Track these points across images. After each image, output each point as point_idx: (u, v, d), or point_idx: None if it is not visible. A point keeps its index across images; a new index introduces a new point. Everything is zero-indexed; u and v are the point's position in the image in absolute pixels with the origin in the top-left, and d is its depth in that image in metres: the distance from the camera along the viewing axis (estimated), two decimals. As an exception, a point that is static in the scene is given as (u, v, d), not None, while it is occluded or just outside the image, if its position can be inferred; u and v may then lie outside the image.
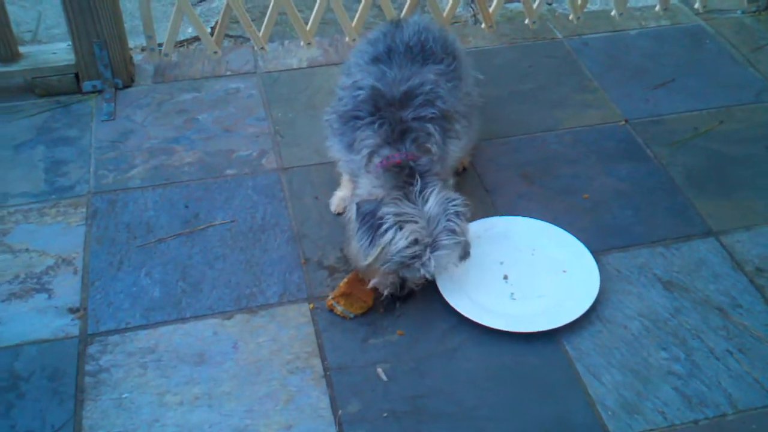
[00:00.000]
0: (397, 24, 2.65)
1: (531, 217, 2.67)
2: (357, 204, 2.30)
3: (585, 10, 3.72)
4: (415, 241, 2.24)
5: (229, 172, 2.89)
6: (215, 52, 3.41)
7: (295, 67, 3.43)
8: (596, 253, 2.55)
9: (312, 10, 3.41)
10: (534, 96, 3.27)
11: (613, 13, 3.75)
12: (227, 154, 2.97)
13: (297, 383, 2.23)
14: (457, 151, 2.58)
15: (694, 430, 2.13)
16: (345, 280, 2.41)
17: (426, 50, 2.56)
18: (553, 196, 2.80)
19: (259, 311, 2.42)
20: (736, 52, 3.53)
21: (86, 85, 3.22)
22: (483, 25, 3.63)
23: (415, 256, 2.25)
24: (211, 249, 2.60)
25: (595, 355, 2.30)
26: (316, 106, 3.14)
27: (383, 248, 2.23)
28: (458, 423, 2.14)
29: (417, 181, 2.29)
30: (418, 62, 2.53)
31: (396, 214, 2.23)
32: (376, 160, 2.38)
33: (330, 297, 2.41)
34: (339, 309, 2.39)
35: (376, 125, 2.40)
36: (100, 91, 3.23)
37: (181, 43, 3.83)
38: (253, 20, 3.37)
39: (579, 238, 2.58)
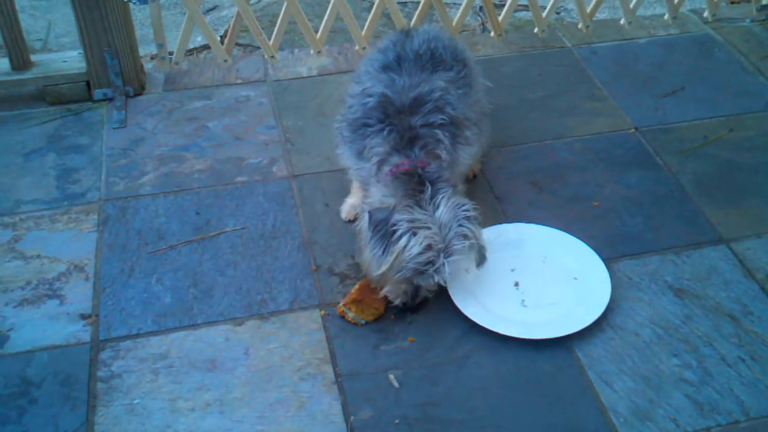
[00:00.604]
0: (407, 33, 2.66)
1: (541, 224, 2.68)
2: (369, 213, 2.30)
3: (594, 18, 3.72)
4: (429, 247, 2.24)
5: (239, 179, 2.90)
6: (225, 61, 3.42)
7: (305, 75, 3.44)
8: (607, 261, 2.54)
9: (322, 18, 3.42)
10: (543, 104, 3.28)
11: (622, 21, 3.76)
12: (238, 162, 2.98)
13: (308, 389, 2.23)
14: (467, 157, 2.58)
15: None
16: (356, 286, 2.42)
17: (436, 58, 2.56)
18: (563, 204, 2.81)
19: (270, 318, 2.42)
20: (746, 60, 3.54)
21: (97, 93, 3.24)
22: (492, 34, 3.64)
23: (429, 262, 2.25)
24: (222, 256, 2.61)
25: (606, 362, 2.30)
26: (326, 114, 3.15)
27: (398, 255, 2.23)
28: (470, 430, 2.14)
29: (427, 188, 2.30)
30: (427, 70, 2.53)
31: (409, 221, 2.23)
32: (386, 168, 2.38)
33: (341, 303, 2.40)
34: (350, 315, 2.39)
35: (385, 132, 2.40)
36: (111, 99, 3.25)
37: (191, 52, 3.85)
38: (263, 29, 3.38)
39: (590, 246, 2.58)
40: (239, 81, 3.40)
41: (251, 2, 3.37)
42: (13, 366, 2.28)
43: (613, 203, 2.81)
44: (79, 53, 3.21)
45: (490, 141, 2.81)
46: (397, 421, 2.16)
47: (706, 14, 3.82)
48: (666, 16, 3.81)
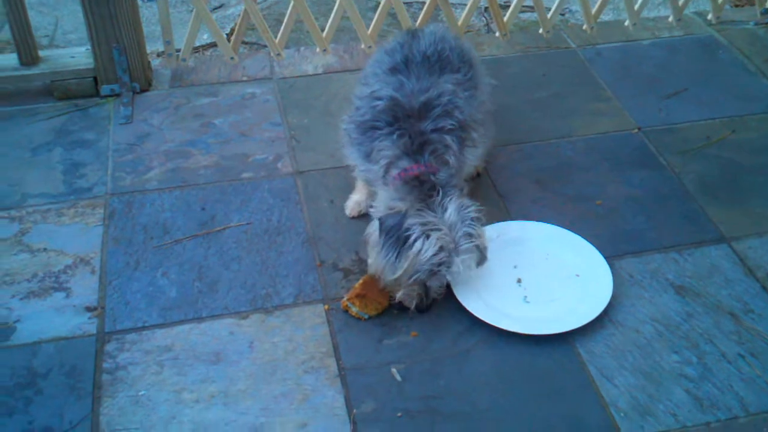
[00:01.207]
0: (413, 34, 2.67)
1: (544, 222, 2.69)
2: (380, 219, 2.31)
3: (598, 20, 3.74)
4: (441, 248, 2.26)
5: (245, 175, 2.92)
6: (232, 58, 3.45)
7: (310, 73, 3.46)
8: (609, 258, 2.56)
9: (328, 17, 3.45)
10: (548, 104, 3.29)
11: (626, 23, 3.78)
12: (243, 158, 2.99)
13: (312, 383, 2.24)
14: (473, 159, 2.61)
15: None
16: (360, 281, 2.43)
17: (443, 60, 2.56)
18: (567, 202, 2.82)
19: (274, 311, 2.43)
20: (749, 62, 3.55)
21: (104, 89, 3.26)
22: (497, 34, 3.65)
23: (442, 263, 2.27)
24: (227, 250, 2.62)
25: (607, 358, 2.31)
26: (332, 112, 3.17)
27: (413, 259, 2.24)
28: (472, 424, 2.15)
29: (438, 193, 2.31)
30: (435, 72, 2.53)
31: (422, 224, 2.25)
32: (394, 171, 2.39)
33: (345, 298, 2.42)
34: (354, 310, 2.40)
35: (395, 136, 2.41)
36: (117, 95, 3.27)
37: (197, 49, 3.87)
38: (269, 27, 3.40)
39: (592, 243, 2.60)
40: (245, 78, 3.41)
41: (258, 0, 3.38)
42: (19, 357, 2.30)
43: (616, 202, 2.82)
44: (87, 49, 3.24)
45: (493, 140, 2.82)
46: (399, 414, 2.17)
47: (710, 17, 3.84)
48: (670, 18, 3.83)
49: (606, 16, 4.00)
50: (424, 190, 2.33)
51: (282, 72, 3.46)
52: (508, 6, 3.60)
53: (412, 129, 2.40)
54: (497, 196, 2.83)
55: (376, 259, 2.34)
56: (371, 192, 2.60)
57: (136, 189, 2.85)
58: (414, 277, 2.29)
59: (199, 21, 3.31)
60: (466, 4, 3.57)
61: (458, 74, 2.57)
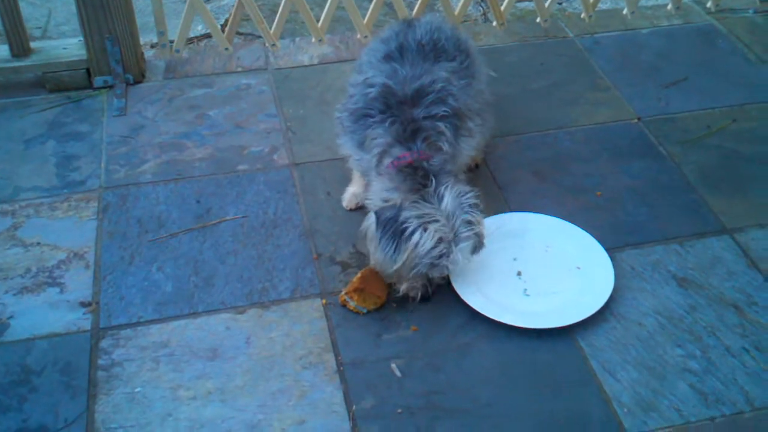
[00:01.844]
0: (409, 23, 2.64)
1: (544, 213, 2.66)
2: (376, 213, 2.28)
3: (596, 9, 3.70)
4: (440, 240, 2.23)
5: (240, 167, 2.89)
6: (226, 49, 3.41)
7: (306, 63, 3.43)
8: (610, 250, 2.54)
9: (323, 7, 3.41)
10: (546, 94, 3.26)
11: (624, 11, 3.74)
12: (239, 150, 2.97)
13: (310, 378, 2.22)
14: (469, 149, 2.57)
15: (711, 428, 2.12)
16: (358, 275, 2.40)
17: (438, 48, 2.54)
18: (566, 193, 2.79)
19: (271, 306, 2.41)
20: (749, 51, 3.52)
21: (97, 81, 3.23)
22: (495, 23, 3.62)
23: (442, 255, 2.24)
24: (223, 244, 2.60)
25: (609, 352, 2.29)
26: (328, 103, 3.14)
27: (411, 252, 2.22)
28: (473, 419, 2.13)
29: (431, 181, 2.28)
30: (430, 60, 2.51)
31: (418, 217, 2.23)
32: (387, 160, 2.36)
33: (343, 292, 2.39)
34: (352, 304, 2.38)
35: (387, 123, 2.38)
36: (111, 87, 3.23)
37: (191, 40, 3.83)
38: (264, 17, 3.37)
39: (593, 235, 2.57)
40: (240, 69, 3.38)
41: (252, -10, 3.36)
42: (13, 354, 2.27)
43: (616, 193, 2.80)
44: (80, 40, 3.20)
45: (492, 131, 2.80)
46: (399, 410, 2.15)
47: (709, 5, 3.81)
48: (669, 6, 3.79)
49: (604, 5, 3.97)
50: (418, 179, 2.29)
51: (277, 62, 3.43)
52: (506, -5, 3.57)
53: (404, 116, 2.37)
54: (496, 188, 2.80)
55: (374, 252, 2.31)
56: (368, 184, 2.57)
57: (131, 182, 2.82)
58: (414, 271, 2.26)
59: (193, 11, 3.27)
60: (463, -7, 3.54)
61: (453, 62, 2.54)
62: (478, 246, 2.35)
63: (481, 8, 4.11)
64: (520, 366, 2.26)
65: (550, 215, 2.66)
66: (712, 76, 3.38)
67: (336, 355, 2.28)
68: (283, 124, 3.09)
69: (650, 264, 2.54)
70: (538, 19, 3.65)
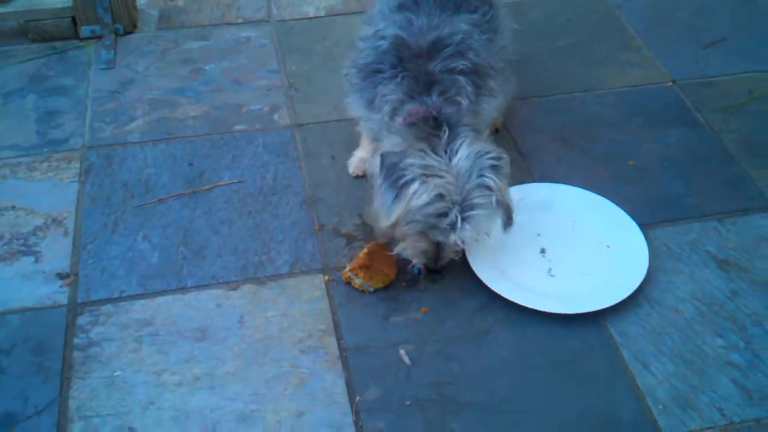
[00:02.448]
0: (426, -32, 2.47)
1: (571, 185, 2.52)
2: (382, 155, 2.11)
3: (627, -39, 3.50)
4: (440, 196, 2.02)
5: (237, 127, 2.78)
6: (225, -2, 3.31)
7: (311, 15, 3.31)
8: (643, 227, 2.40)
9: (331, -47, 3.29)
10: (573, 53, 3.14)
11: (658, -35, 3.53)
12: (236, 109, 2.86)
13: (309, 365, 2.11)
14: (490, 110, 2.38)
15: (756, 430, 1.98)
16: (365, 250, 2.27)
17: None
18: (595, 163, 2.67)
19: (268, 282, 2.30)
20: (794, 9, 3.39)
21: (84, 30, 3.12)
22: (517, -25, 3.41)
23: (441, 214, 2.04)
24: (216, 212, 2.49)
25: (643, 341, 2.16)
26: (335, 59, 3.02)
27: (404, 204, 2.04)
28: (489, 415, 2.00)
29: (444, 131, 2.09)
30: (449, 10, 2.33)
31: (420, 167, 2.04)
32: (399, 117, 2.19)
33: (347, 268, 2.27)
34: (357, 282, 2.26)
35: (399, 78, 2.22)
36: (99, 37, 3.13)
37: (189, -12, 3.68)
38: (267, -36, 3.25)
39: (624, 210, 2.44)
40: (240, 20, 3.27)
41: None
42: (-21, 330, 2.16)
43: (649, 163, 2.67)
44: (65, -15, 3.10)
45: (514, 92, 2.64)
46: (408, 402, 2.03)
47: (750, -42, 3.59)
48: (706, -40, 3.58)
49: (635, -42, 3.77)
50: (429, 129, 2.11)
51: (280, 14, 3.31)
52: (530, -56, 3.37)
53: (418, 70, 2.20)
54: (518, 155, 2.66)
55: (374, 201, 2.14)
56: (378, 148, 2.38)
57: (117, 141, 2.72)
58: (409, 227, 2.08)
59: (190, -45, 3.12)
60: (483, -58, 3.32)
61: (475, 14, 2.36)
62: (507, 222, 2.17)
63: (501, -40, 3.89)
64: (542, 355, 2.13)
65: (578, 186, 2.52)
66: (754, 36, 3.23)
67: (338, 339, 2.16)
68: (285, 81, 2.97)
69: (687, 243, 2.40)
70: (564, -28, 3.44)
